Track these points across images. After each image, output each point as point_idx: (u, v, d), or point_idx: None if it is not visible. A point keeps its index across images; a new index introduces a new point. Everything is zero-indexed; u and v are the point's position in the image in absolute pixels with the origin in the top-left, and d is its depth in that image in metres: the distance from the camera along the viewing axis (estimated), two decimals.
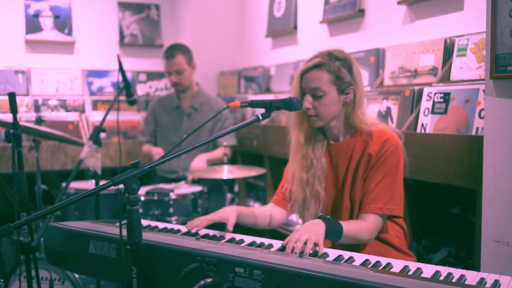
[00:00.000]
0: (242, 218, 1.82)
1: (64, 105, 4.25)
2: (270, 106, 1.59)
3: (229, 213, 1.75)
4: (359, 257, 1.50)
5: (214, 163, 3.26)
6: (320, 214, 1.74)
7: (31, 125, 2.61)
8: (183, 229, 1.86)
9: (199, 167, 3.11)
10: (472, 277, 1.29)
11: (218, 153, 3.33)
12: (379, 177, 1.78)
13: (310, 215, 1.91)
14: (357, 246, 1.79)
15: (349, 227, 1.71)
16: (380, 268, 1.41)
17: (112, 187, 1.31)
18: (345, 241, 1.71)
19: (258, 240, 1.71)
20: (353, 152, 1.85)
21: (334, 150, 1.91)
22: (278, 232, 3.15)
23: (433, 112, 2.22)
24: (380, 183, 1.78)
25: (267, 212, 1.96)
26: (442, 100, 2.19)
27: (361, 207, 1.81)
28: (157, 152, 3.23)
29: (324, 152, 1.92)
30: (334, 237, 1.67)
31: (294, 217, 2.09)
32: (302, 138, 1.92)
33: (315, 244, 1.54)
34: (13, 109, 1.93)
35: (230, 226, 1.71)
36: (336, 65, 1.78)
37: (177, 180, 3.32)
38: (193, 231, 1.73)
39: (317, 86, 1.78)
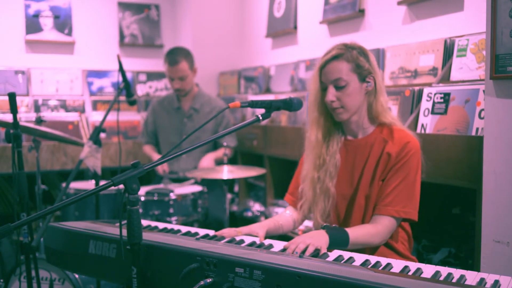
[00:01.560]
0: (270, 233, 1.85)
1: (64, 105, 4.25)
2: (270, 107, 1.59)
3: (258, 229, 1.78)
4: (359, 257, 1.50)
5: (220, 162, 3.29)
6: (325, 224, 1.72)
7: (31, 125, 2.61)
8: (183, 229, 1.86)
9: (208, 166, 3.15)
10: (472, 277, 1.29)
11: (221, 153, 3.36)
12: (398, 180, 1.75)
13: (319, 211, 1.89)
14: (361, 250, 1.76)
15: (356, 233, 1.68)
16: (380, 268, 1.41)
17: (112, 187, 1.31)
18: (354, 248, 1.68)
19: (258, 240, 1.71)
20: (372, 150, 1.82)
21: (352, 146, 1.88)
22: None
23: (433, 112, 2.22)
24: (398, 186, 1.74)
25: (290, 217, 1.97)
26: (442, 100, 2.19)
27: (375, 209, 1.78)
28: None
29: (341, 148, 1.89)
30: (340, 245, 1.64)
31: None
32: (320, 136, 1.89)
33: (317, 250, 1.54)
34: (13, 109, 1.93)
35: (261, 238, 1.74)
36: (354, 53, 1.77)
37: (177, 180, 3.32)
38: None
39: (338, 77, 1.76)
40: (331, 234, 1.62)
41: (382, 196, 1.77)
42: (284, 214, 1.99)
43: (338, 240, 1.64)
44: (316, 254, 1.53)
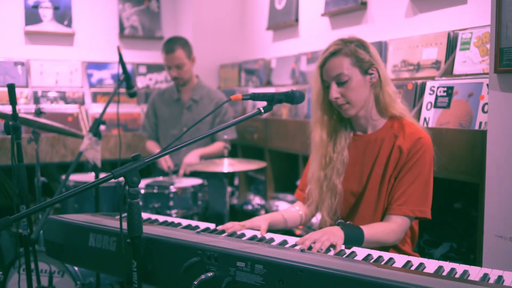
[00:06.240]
0: (274, 226, 1.84)
1: (63, 97, 4.23)
2: (272, 99, 1.57)
3: (261, 222, 1.77)
4: (361, 252, 1.49)
5: (210, 157, 3.24)
6: (340, 221, 1.68)
7: (31, 117, 2.60)
8: (184, 222, 1.85)
9: (190, 162, 3.10)
10: (475, 272, 1.28)
11: (214, 147, 3.31)
12: (412, 179, 1.71)
13: (325, 208, 1.87)
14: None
15: (371, 231, 1.65)
16: (383, 263, 1.40)
17: (112, 180, 1.30)
18: (368, 246, 1.63)
19: (259, 234, 1.70)
20: (382, 146, 1.78)
21: (361, 142, 1.84)
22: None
23: (436, 106, 2.20)
24: (412, 185, 1.71)
25: (296, 212, 1.95)
26: (445, 94, 2.17)
27: (389, 208, 1.75)
28: (164, 159, 3.19)
29: (350, 144, 1.86)
30: (355, 243, 1.60)
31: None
32: (325, 135, 1.87)
33: (332, 246, 1.52)
34: (13, 100, 1.91)
35: (263, 232, 1.73)
36: (352, 47, 1.74)
37: (176, 173, 3.31)
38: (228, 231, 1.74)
39: (339, 72, 1.73)
40: (346, 231, 1.59)
41: (396, 196, 1.73)
42: (290, 209, 1.97)
43: (353, 238, 1.60)
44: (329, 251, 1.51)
